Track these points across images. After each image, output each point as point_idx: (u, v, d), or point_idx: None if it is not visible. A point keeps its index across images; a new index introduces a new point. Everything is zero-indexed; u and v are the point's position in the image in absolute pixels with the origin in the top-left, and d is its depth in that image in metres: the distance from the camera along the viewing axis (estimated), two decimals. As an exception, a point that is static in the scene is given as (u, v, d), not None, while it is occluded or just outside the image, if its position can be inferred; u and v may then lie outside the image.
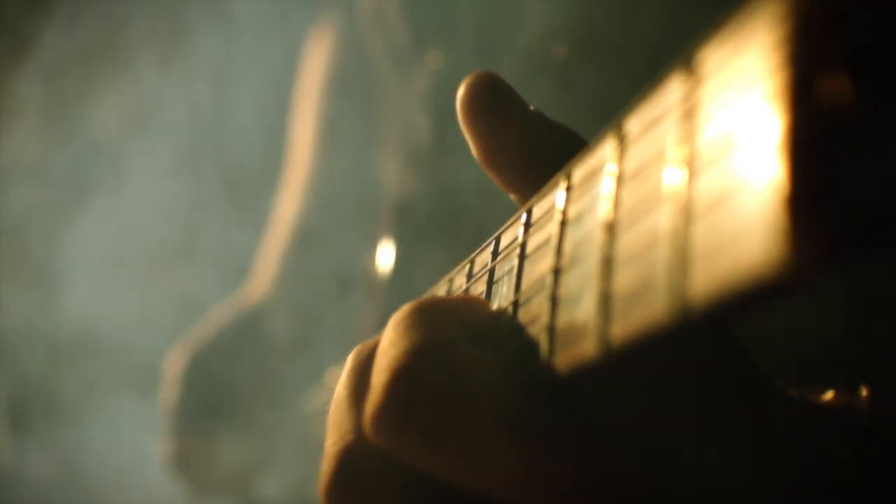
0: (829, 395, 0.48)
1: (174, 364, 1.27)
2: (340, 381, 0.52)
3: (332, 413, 0.50)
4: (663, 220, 0.33)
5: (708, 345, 0.44)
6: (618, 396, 0.42)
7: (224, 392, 1.27)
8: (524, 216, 0.47)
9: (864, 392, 0.48)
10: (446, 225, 0.93)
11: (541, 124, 0.50)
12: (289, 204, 1.20)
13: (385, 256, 1.01)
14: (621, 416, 0.41)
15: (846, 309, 0.67)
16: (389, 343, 0.44)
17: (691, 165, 0.32)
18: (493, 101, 0.51)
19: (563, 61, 0.87)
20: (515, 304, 0.45)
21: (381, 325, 0.49)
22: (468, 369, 0.42)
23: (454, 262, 0.57)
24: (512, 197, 0.53)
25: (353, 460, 0.46)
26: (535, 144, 0.49)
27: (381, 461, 0.44)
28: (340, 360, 0.66)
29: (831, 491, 0.43)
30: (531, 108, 0.51)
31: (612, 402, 0.41)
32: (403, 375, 0.42)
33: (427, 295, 0.61)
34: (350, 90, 1.10)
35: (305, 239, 1.17)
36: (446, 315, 0.45)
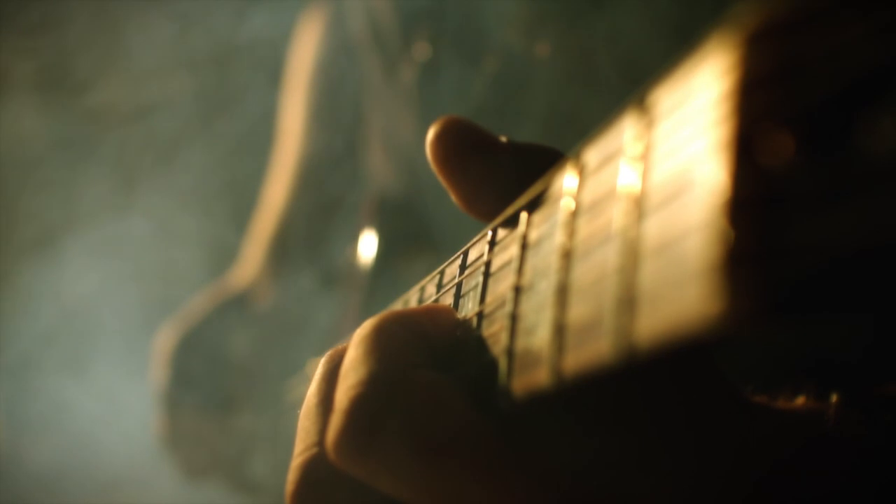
0: (799, 400, 0.49)
1: (163, 345, 1.28)
2: (311, 389, 0.53)
3: (302, 421, 0.51)
4: (613, 256, 0.33)
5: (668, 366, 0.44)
6: (572, 423, 0.42)
7: (212, 373, 1.27)
8: (490, 234, 0.48)
9: (833, 398, 0.48)
10: (428, 218, 0.93)
11: (514, 155, 0.49)
12: (276, 191, 1.20)
13: (368, 247, 1.01)
14: (576, 443, 0.41)
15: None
16: (351, 364, 0.45)
17: (641, 206, 0.32)
18: (462, 147, 0.50)
19: (548, 54, 0.87)
20: (479, 321, 0.46)
21: (362, 318, 0.49)
22: (425, 398, 0.42)
23: (435, 256, 0.57)
24: None
25: (317, 472, 0.47)
26: (511, 176, 0.48)
27: (344, 476, 0.45)
28: (322, 347, 0.67)
29: (796, 500, 0.43)
30: (502, 140, 0.50)
31: (566, 428, 0.42)
32: (361, 405, 0.42)
33: (398, 303, 0.61)
34: (337, 82, 1.10)
35: (291, 226, 1.17)
36: (407, 334, 0.46)
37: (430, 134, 0.50)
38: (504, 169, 0.49)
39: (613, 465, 0.42)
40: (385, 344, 0.44)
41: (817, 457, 0.44)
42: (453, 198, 0.51)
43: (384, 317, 0.47)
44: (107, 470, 1.72)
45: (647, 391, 0.43)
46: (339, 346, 0.53)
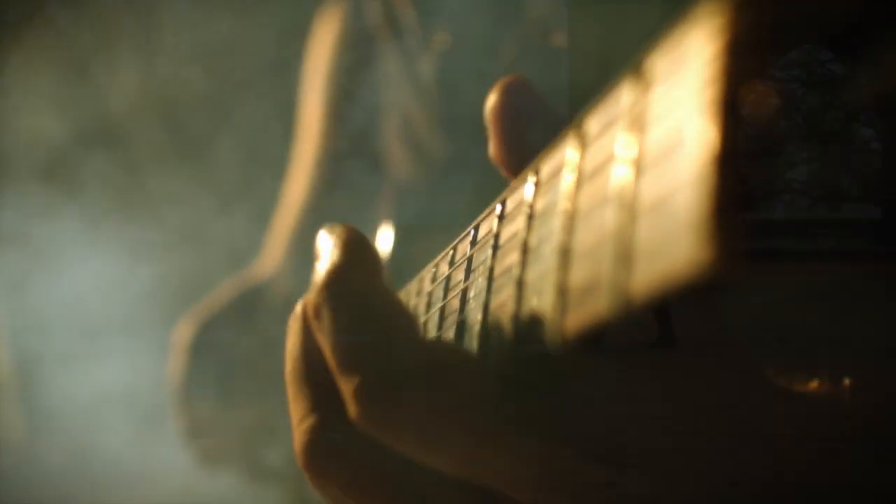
0: (813, 384, 0.50)
1: (182, 335, 1.30)
2: (293, 355, 0.52)
3: (294, 387, 0.52)
4: (612, 217, 0.35)
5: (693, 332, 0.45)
6: (589, 387, 0.43)
7: (231, 363, 1.29)
8: (498, 207, 0.49)
9: (846, 382, 0.49)
10: (445, 205, 0.95)
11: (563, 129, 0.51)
12: (298, 183, 1.22)
13: (386, 236, 1.02)
14: (592, 408, 0.43)
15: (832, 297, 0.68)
16: (348, 330, 0.46)
17: (637, 167, 0.34)
18: (521, 108, 0.53)
19: (565, 42, 0.88)
20: (488, 290, 0.47)
21: None
22: (435, 361, 0.44)
23: (450, 242, 0.59)
24: None
25: (322, 437, 0.49)
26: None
27: (351, 433, 0.47)
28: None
29: (814, 483, 0.44)
30: (557, 113, 0.52)
31: (580, 392, 0.43)
32: (376, 369, 0.45)
33: (413, 282, 0.63)
34: (355, 71, 1.12)
35: (312, 217, 1.19)
36: (375, 280, 0.48)
37: (498, 88, 0.52)
38: (552, 138, 0.51)
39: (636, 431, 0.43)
40: (368, 305, 0.47)
41: (835, 438, 0.45)
42: (492, 149, 0.53)
43: (345, 273, 0.48)
44: (122, 466, 1.74)
45: (668, 373, 0.44)
46: (299, 308, 0.53)
